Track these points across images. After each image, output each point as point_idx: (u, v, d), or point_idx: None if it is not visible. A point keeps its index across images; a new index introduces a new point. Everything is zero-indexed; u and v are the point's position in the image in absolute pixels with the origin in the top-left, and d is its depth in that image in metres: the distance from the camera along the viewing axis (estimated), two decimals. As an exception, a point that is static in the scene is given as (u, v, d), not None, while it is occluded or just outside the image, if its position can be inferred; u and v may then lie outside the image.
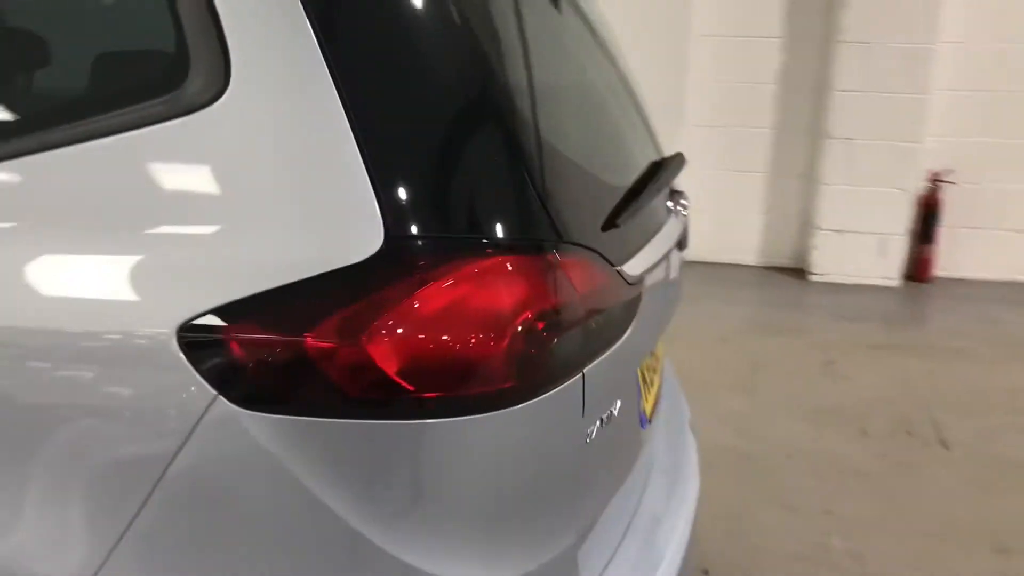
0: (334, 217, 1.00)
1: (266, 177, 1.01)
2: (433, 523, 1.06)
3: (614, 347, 1.25)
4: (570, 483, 1.21)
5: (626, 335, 1.29)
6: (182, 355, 0.98)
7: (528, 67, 1.23)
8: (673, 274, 1.71)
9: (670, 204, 1.67)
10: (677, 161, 1.79)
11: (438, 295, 1.01)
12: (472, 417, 1.03)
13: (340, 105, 1.00)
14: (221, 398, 0.97)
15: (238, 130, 1.01)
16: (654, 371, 1.70)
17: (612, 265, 1.24)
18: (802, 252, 6.07)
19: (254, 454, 0.98)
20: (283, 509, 1.01)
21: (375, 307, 0.99)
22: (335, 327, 0.98)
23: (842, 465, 3.22)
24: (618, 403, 1.32)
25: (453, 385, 1.01)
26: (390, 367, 0.98)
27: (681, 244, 1.71)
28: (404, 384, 0.99)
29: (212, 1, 1.01)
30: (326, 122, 1.00)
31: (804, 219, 6.03)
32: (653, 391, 1.66)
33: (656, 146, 1.86)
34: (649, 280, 1.42)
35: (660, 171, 1.64)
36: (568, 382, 1.12)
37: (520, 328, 1.04)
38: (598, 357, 1.19)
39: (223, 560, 1.03)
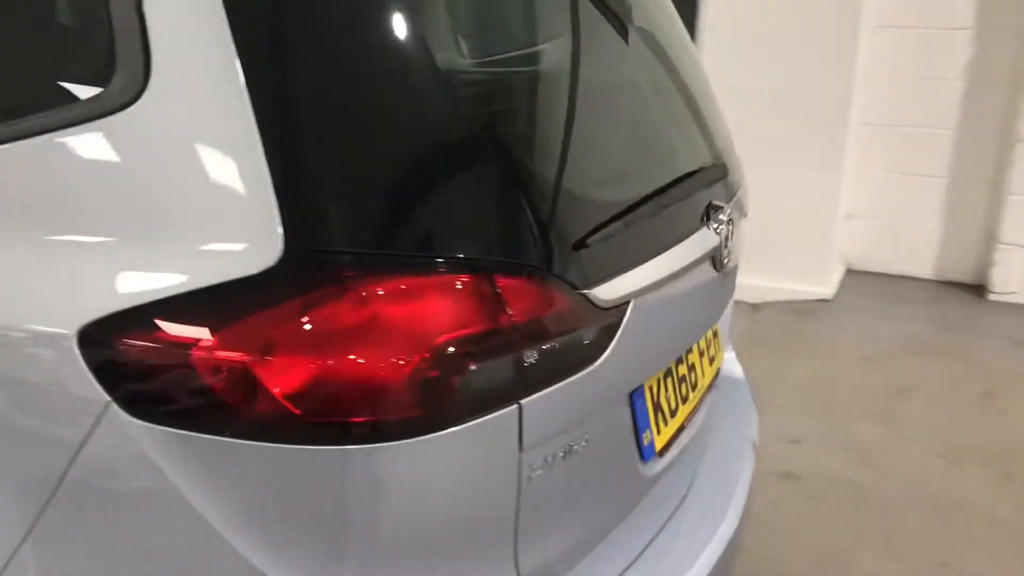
0: (235, 227, 0.97)
1: (173, 183, 1.00)
2: (330, 557, 1.01)
3: (575, 376, 1.14)
4: (507, 522, 1.12)
5: (598, 363, 1.18)
6: (81, 359, 0.98)
7: (460, 72, 1.14)
8: (705, 292, 1.56)
9: (706, 217, 1.52)
10: (719, 170, 1.63)
11: (336, 314, 0.95)
12: (367, 447, 0.97)
13: (251, 113, 0.97)
14: (114, 405, 0.97)
15: (148, 135, 1.00)
16: (684, 398, 1.56)
17: (576, 288, 1.13)
18: (982, 267, 5.49)
19: (142, 464, 0.97)
20: (168, 525, 0.99)
21: (266, 323, 0.95)
22: (223, 341, 0.95)
23: (973, 511, 2.87)
24: (586, 438, 1.21)
25: (345, 411, 0.95)
26: (276, 388, 0.94)
27: (717, 261, 1.55)
28: (290, 407, 0.94)
29: (140, 2, 1.00)
30: (235, 130, 0.97)
31: (987, 231, 5.45)
32: (676, 420, 1.52)
33: (716, 154, 1.70)
34: (649, 301, 1.29)
35: (687, 181, 1.50)
36: (494, 414, 1.03)
37: (429, 355, 0.97)
38: (545, 387, 1.09)
39: (114, 570, 1.03)
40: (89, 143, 1.02)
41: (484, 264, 1.02)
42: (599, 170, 1.33)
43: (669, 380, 1.50)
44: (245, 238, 0.96)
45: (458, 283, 1.00)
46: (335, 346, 0.95)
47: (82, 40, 1.12)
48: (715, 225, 1.52)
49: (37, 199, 1.05)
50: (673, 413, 1.51)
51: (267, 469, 0.97)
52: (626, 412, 1.35)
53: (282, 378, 0.94)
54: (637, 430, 1.38)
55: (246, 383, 0.94)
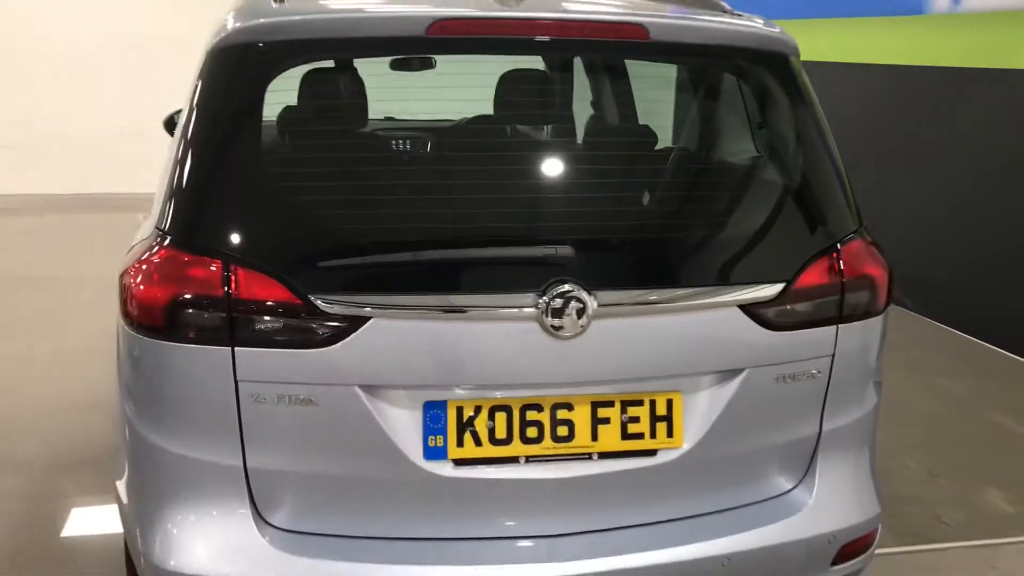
0: None
1: None
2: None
3: (292, 349, 1.71)
4: (232, 425, 1.75)
5: (321, 350, 1.71)
6: None
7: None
8: (529, 350, 1.76)
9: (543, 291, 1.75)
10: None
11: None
12: (143, 338, 1.74)
13: None
14: None
15: None
16: (530, 440, 1.80)
17: (299, 291, 1.70)
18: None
19: None
20: None
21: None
22: None
23: None
24: (312, 399, 1.73)
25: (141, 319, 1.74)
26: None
27: (553, 329, 1.72)
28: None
29: None
30: None
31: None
32: (501, 450, 1.79)
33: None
34: (396, 326, 1.73)
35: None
36: (211, 347, 1.71)
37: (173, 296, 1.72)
38: (256, 346, 1.72)
39: None
40: None
41: (233, 259, 1.71)
42: (365, 227, 1.82)
43: (501, 415, 1.80)
44: None
45: (212, 266, 1.70)
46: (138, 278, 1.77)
47: None
48: (549, 299, 1.72)
49: None
50: (499, 442, 1.80)
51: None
52: (402, 412, 1.77)
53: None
54: (424, 431, 1.77)
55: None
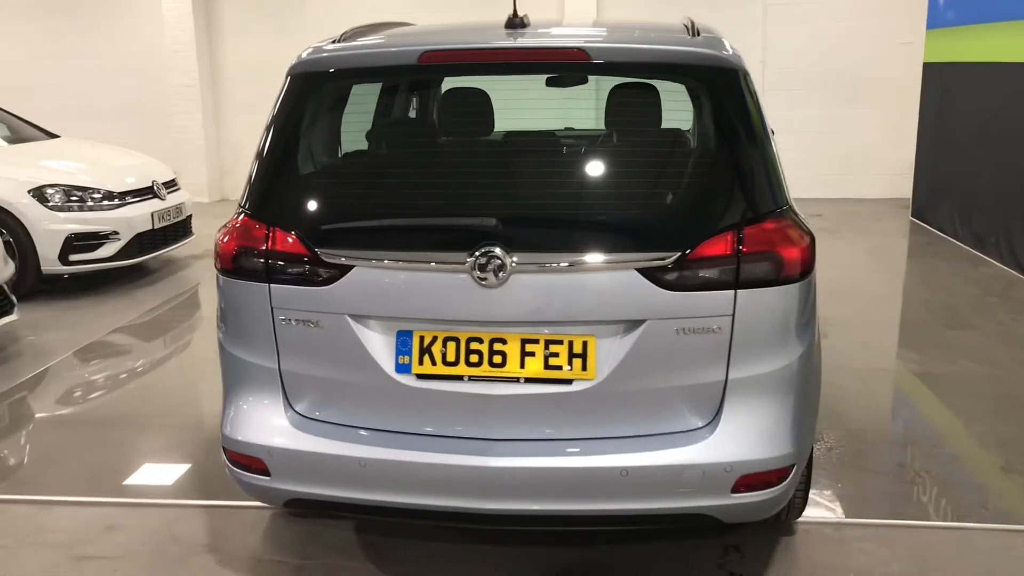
0: None
1: None
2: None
3: (304, 287, 2.46)
4: (270, 342, 2.54)
5: (326, 288, 2.44)
6: None
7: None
8: (461, 293, 2.37)
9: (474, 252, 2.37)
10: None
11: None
12: (222, 277, 2.60)
13: None
14: None
15: None
16: (473, 364, 2.40)
17: (309, 243, 2.45)
18: None
19: None
20: None
21: None
22: None
23: None
24: (318, 321, 2.46)
25: (223, 263, 2.53)
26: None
27: (479, 279, 2.35)
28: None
29: None
30: None
31: None
32: (452, 369, 2.41)
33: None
34: (370, 274, 2.42)
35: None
36: (256, 283, 2.52)
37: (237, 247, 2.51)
38: (284, 283, 2.49)
39: None
40: None
41: (263, 219, 2.49)
42: (360, 203, 2.61)
43: (451, 344, 2.42)
44: None
45: (261, 229, 2.52)
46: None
47: None
48: (475, 258, 2.32)
49: None
50: (449, 364, 2.42)
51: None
52: (380, 336, 2.46)
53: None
54: (396, 352, 2.45)
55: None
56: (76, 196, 6.43)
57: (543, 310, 2.38)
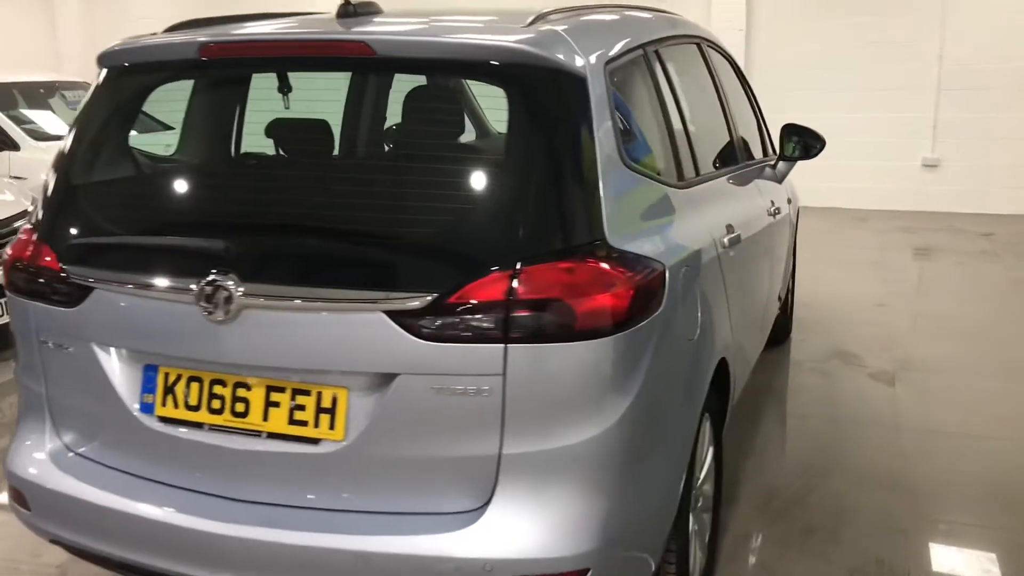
0: None
1: None
2: None
3: (48, 305, 2.21)
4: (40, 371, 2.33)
5: (72, 308, 2.17)
6: None
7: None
8: (192, 328, 2.02)
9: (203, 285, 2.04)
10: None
11: None
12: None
13: None
14: None
15: None
16: (214, 411, 2.07)
17: (60, 260, 2.20)
18: None
19: None
20: None
21: None
22: None
23: None
24: (63, 345, 2.20)
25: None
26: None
27: (211, 310, 1.98)
28: None
29: None
30: None
31: None
32: (196, 415, 2.08)
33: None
34: (114, 300, 2.13)
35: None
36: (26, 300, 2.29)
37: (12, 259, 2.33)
38: (29, 299, 2.26)
39: None
40: None
41: (38, 232, 2.29)
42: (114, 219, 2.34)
43: (195, 384, 2.09)
44: None
45: (30, 239, 2.31)
46: None
47: None
48: (199, 286, 1.98)
49: None
50: (191, 408, 2.09)
51: None
52: (127, 369, 2.17)
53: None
54: (142, 388, 2.15)
55: None
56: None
57: (279, 354, 2.01)
